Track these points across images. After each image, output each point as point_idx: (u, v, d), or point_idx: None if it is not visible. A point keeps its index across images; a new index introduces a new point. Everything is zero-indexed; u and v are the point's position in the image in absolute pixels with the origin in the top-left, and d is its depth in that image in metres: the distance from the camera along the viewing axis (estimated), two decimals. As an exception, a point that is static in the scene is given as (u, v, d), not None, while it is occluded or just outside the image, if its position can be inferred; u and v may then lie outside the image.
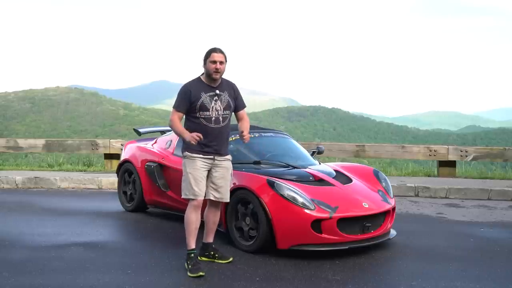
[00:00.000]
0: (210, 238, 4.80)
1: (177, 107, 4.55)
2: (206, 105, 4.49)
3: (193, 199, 4.48)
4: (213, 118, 4.50)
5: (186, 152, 4.53)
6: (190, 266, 4.37)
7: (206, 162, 4.51)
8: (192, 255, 4.46)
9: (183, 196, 4.57)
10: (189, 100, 4.48)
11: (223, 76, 4.61)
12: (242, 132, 4.56)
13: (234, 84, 4.74)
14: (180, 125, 4.53)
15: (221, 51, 4.49)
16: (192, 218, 4.49)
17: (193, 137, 4.29)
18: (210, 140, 4.49)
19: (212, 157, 4.52)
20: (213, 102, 4.51)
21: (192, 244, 4.49)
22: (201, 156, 4.49)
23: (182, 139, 4.52)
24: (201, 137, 4.34)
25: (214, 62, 4.44)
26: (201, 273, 4.29)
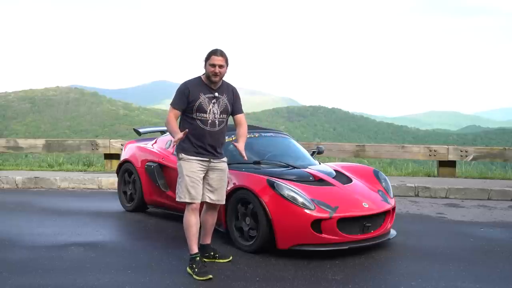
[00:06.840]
0: (208, 240, 4.79)
1: (174, 104, 4.45)
2: (203, 107, 4.41)
3: (190, 203, 4.43)
4: (209, 121, 4.43)
5: (182, 154, 4.44)
6: (196, 270, 4.29)
7: (203, 165, 4.46)
8: (198, 258, 4.40)
9: (177, 200, 4.48)
10: (187, 99, 4.40)
11: (223, 79, 4.52)
12: (237, 144, 4.45)
13: (235, 88, 4.62)
14: (175, 124, 4.42)
15: (222, 54, 4.37)
16: (192, 221, 4.43)
17: (179, 138, 4.19)
18: (205, 143, 4.43)
19: (208, 159, 4.47)
20: (211, 104, 4.44)
21: (195, 248, 4.44)
22: (197, 158, 4.43)
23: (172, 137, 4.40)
24: (186, 132, 4.27)
25: (213, 65, 4.34)
26: (210, 276, 4.23)
